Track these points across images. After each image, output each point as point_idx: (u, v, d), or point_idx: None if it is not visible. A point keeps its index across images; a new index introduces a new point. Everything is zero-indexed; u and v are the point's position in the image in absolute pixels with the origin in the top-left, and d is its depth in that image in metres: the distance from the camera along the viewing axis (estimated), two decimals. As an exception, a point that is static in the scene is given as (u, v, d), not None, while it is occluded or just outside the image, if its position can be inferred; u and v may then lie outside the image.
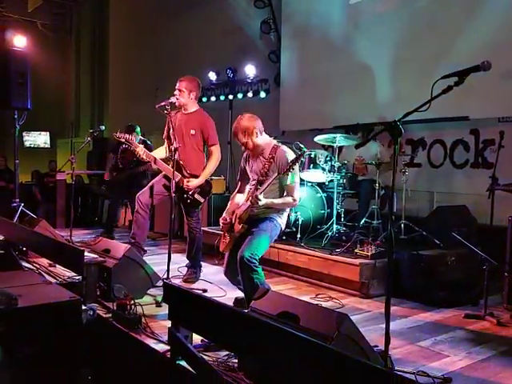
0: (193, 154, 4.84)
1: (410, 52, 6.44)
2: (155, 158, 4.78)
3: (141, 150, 4.75)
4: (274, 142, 4.02)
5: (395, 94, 6.53)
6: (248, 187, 4.06)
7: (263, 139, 3.97)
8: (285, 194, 3.86)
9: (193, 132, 4.83)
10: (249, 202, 3.75)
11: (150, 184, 4.97)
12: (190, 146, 4.83)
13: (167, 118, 4.58)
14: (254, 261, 3.61)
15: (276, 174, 3.67)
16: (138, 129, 7.25)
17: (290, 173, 3.67)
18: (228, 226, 3.95)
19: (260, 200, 3.65)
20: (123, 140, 4.79)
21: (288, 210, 4.08)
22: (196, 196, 4.80)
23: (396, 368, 2.84)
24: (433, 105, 2.68)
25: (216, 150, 4.89)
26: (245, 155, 4.17)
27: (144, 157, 4.77)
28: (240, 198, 4.05)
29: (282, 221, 3.94)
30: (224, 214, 4.04)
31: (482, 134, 5.99)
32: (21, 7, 13.33)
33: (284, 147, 3.95)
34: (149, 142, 7.15)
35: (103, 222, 7.62)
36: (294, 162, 3.59)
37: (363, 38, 7.04)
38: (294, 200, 3.85)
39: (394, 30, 6.72)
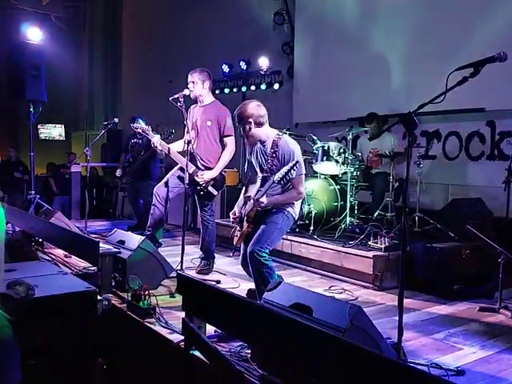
0: (208, 146, 4.85)
1: (425, 43, 6.38)
2: (169, 149, 4.80)
3: (156, 140, 4.78)
4: (276, 133, 3.87)
5: (410, 86, 6.48)
6: (258, 177, 3.98)
7: (263, 131, 3.82)
8: (290, 188, 3.74)
9: (209, 123, 4.83)
10: (252, 205, 3.72)
11: (166, 177, 5.00)
12: (205, 138, 4.84)
13: (183, 111, 4.57)
14: (264, 254, 3.58)
15: (276, 176, 3.52)
16: (140, 120, 7.17)
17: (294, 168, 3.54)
18: (238, 221, 3.94)
19: (262, 203, 3.60)
20: (140, 130, 4.82)
21: (298, 202, 3.98)
22: (210, 188, 4.80)
23: (409, 360, 2.84)
24: (448, 96, 2.66)
25: (231, 142, 4.88)
26: (250, 151, 4.11)
27: (159, 147, 4.78)
28: (252, 190, 4.00)
29: (294, 210, 3.85)
30: (235, 208, 4.02)
31: (498, 126, 5.93)
32: (35, 0, 13.39)
33: (286, 137, 3.83)
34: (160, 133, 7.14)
35: (137, 223, 7.42)
36: (292, 167, 3.46)
37: (377, 28, 6.99)
38: (299, 193, 3.76)
39: (408, 20, 6.65)
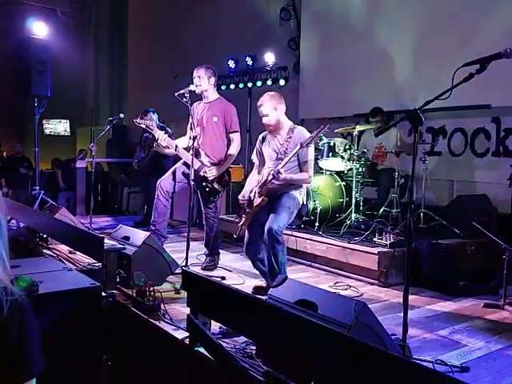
0: (214, 142, 4.84)
1: (432, 39, 6.35)
2: (176, 145, 4.79)
3: (161, 135, 4.75)
4: (291, 123, 4.19)
5: (416, 82, 6.46)
6: (265, 169, 4.15)
7: (285, 119, 4.15)
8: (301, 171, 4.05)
9: (215, 119, 4.82)
10: (270, 176, 3.86)
11: (170, 170, 4.98)
12: (211, 134, 4.83)
13: (189, 107, 4.57)
14: (280, 233, 3.80)
15: (298, 147, 3.80)
16: (153, 114, 7.16)
17: (308, 148, 3.88)
18: (246, 203, 4.10)
19: (281, 174, 3.79)
20: (143, 126, 4.80)
21: (304, 187, 4.20)
22: (215, 185, 4.80)
23: (414, 356, 2.84)
24: (454, 93, 2.65)
25: (237, 138, 4.88)
26: (261, 137, 4.30)
27: (163, 143, 4.76)
28: (257, 178, 4.21)
29: (301, 197, 4.10)
30: (243, 192, 4.23)
31: (503, 123, 5.91)
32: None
33: (301, 127, 4.16)
34: (168, 129, 7.10)
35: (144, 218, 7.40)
36: (317, 133, 3.79)
37: (384, 24, 6.96)
38: (310, 176, 4.05)
39: (415, 16, 6.62)
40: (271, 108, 4.09)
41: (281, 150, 4.01)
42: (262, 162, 4.26)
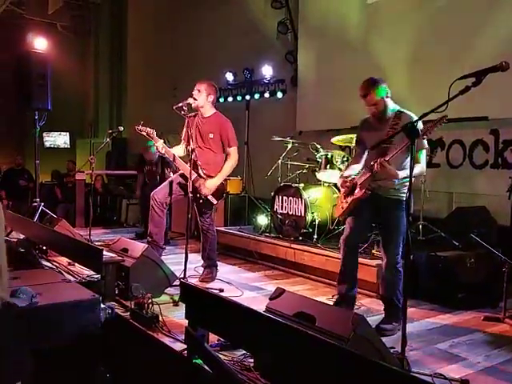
0: (211, 156, 4.86)
1: (428, 52, 6.38)
2: (174, 155, 4.82)
3: (161, 144, 4.79)
4: (397, 107, 3.80)
5: (413, 94, 6.48)
6: (363, 159, 3.90)
7: (391, 103, 3.78)
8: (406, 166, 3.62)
9: (211, 136, 4.84)
10: (376, 167, 3.48)
11: (166, 182, 5.00)
12: (208, 149, 4.86)
13: (186, 119, 4.60)
14: (400, 261, 3.65)
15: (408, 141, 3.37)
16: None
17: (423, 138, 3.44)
18: (348, 190, 3.83)
19: (385, 167, 3.44)
20: (144, 133, 4.81)
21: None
22: (209, 197, 4.81)
23: (413, 370, 2.83)
24: (451, 105, 2.66)
25: (234, 152, 4.91)
26: (360, 123, 4.00)
27: (163, 152, 4.80)
28: (357, 167, 3.92)
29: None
30: (344, 174, 3.93)
31: (501, 135, 5.91)
32: (41, 10, 13.49)
33: (409, 112, 3.70)
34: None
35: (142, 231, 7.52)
36: (435, 123, 3.21)
37: (381, 37, 7.00)
38: (423, 167, 3.68)
39: (412, 29, 6.67)
40: (378, 97, 3.68)
41: (385, 139, 3.51)
42: (363, 149, 3.91)
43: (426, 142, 3.63)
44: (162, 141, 4.85)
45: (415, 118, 3.49)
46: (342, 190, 3.93)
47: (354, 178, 3.82)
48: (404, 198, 3.68)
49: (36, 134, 7.26)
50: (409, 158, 3.13)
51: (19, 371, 1.39)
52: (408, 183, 3.21)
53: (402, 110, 3.77)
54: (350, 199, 3.80)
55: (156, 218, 4.88)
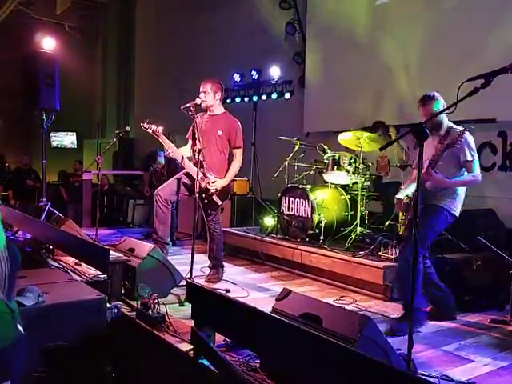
0: (216, 156, 4.87)
1: (437, 53, 6.36)
2: (183, 157, 4.82)
3: (168, 144, 4.80)
4: (451, 124, 3.82)
5: (421, 96, 6.46)
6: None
7: (445, 119, 3.81)
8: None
9: (220, 133, 4.84)
10: (423, 175, 3.45)
11: (170, 180, 5.01)
12: (214, 148, 4.86)
13: (193, 119, 4.60)
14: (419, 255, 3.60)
15: (445, 146, 3.52)
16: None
17: (466, 148, 3.59)
18: (404, 207, 3.87)
19: (431, 175, 3.53)
20: (150, 131, 4.79)
21: (461, 193, 3.88)
22: (214, 197, 4.81)
23: (419, 372, 2.82)
24: (459, 107, 2.65)
25: (239, 154, 4.92)
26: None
27: (170, 151, 4.80)
28: (411, 185, 3.94)
29: (453, 207, 3.83)
30: (400, 194, 3.99)
31: (509, 137, 5.88)
32: (49, 10, 13.55)
33: (463, 133, 3.58)
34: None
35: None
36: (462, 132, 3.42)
37: (389, 38, 6.99)
38: (474, 176, 3.70)
39: (420, 31, 6.65)
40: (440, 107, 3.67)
41: (434, 155, 3.62)
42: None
43: (474, 153, 3.70)
44: (167, 140, 4.84)
45: (460, 129, 3.65)
46: (398, 207, 3.96)
47: (407, 197, 3.86)
48: (443, 205, 3.76)
49: (43, 133, 7.29)
50: (462, 171, 3.56)
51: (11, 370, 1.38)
52: (454, 198, 3.65)
53: (457, 128, 3.78)
54: (408, 215, 3.84)
55: (161, 214, 4.88)
